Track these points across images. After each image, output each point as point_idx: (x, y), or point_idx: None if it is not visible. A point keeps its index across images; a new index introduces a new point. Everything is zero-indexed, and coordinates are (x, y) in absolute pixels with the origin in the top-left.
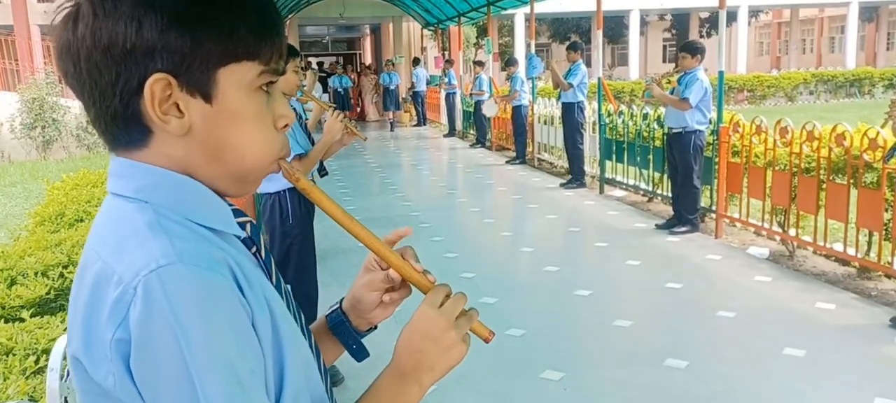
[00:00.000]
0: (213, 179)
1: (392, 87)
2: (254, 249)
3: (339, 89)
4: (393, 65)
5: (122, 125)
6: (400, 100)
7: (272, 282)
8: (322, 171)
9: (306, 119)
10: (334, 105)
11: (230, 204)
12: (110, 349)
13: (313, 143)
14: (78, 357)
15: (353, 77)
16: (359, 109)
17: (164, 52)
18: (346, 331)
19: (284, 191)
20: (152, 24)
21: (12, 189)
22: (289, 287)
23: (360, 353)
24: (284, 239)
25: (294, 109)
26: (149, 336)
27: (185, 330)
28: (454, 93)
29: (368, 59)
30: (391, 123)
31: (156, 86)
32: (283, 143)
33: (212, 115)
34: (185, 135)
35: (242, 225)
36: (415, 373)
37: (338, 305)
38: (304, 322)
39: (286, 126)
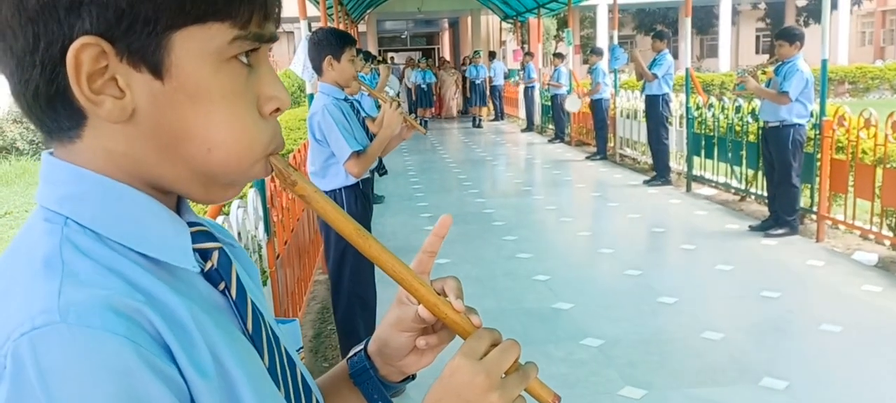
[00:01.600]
0: (172, 181)
1: (478, 81)
2: (223, 286)
3: (422, 85)
4: (479, 56)
5: (46, 106)
6: (485, 95)
7: (248, 328)
8: (382, 170)
9: (366, 114)
10: (394, 99)
11: (198, 221)
12: None
13: (372, 139)
14: None
15: (436, 71)
16: (437, 105)
17: (92, 7)
18: (369, 381)
19: (340, 189)
20: None
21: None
22: (276, 331)
23: None
24: (339, 241)
25: (351, 103)
26: None
27: None
28: (533, 87)
29: (447, 54)
30: (478, 120)
31: (83, 53)
32: (273, 135)
33: (164, 96)
34: (129, 121)
35: (207, 254)
36: None
37: (362, 348)
38: (296, 373)
39: (278, 110)
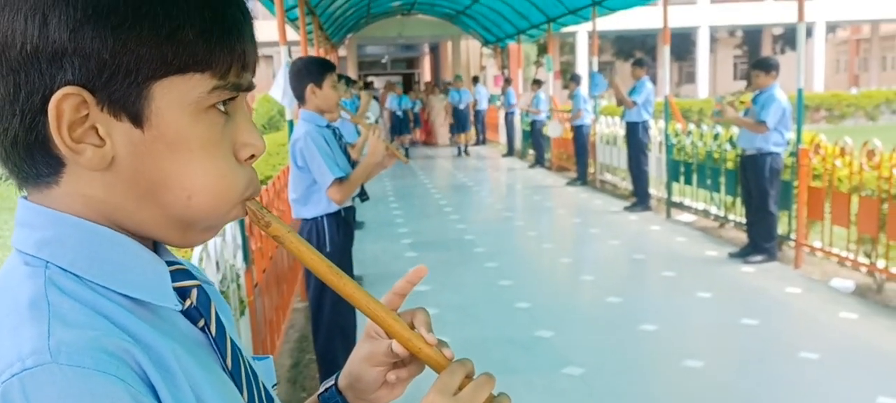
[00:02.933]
0: (150, 227)
1: (462, 106)
2: (202, 323)
3: (398, 111)
4: (461, 81)
5: (25, 154)
6: (470, 120)
7: (227, 365)
8: (363, 196)
9: (346, 141)
10: (376, 125)
11: (176, 260)
12: None
13: (354, 166)
14: None
15: (423, 96)
16: (420, 132)
17: (75, 58)
18: None
19: (322, 216)
20: (61, 18)
21: None
22: (254, 367)
23: None
24: None
25: (334, 130)
26: None
27: None
28: (513, 112)
29: (427, 79)
30: (460, 148)
31: (65, 103)
32: (250, 180)
33: (144, 144)
34: (108, 168)
35: (186, 292)
36: None
37: (333, 382)
38: None
39: (253, 157)
